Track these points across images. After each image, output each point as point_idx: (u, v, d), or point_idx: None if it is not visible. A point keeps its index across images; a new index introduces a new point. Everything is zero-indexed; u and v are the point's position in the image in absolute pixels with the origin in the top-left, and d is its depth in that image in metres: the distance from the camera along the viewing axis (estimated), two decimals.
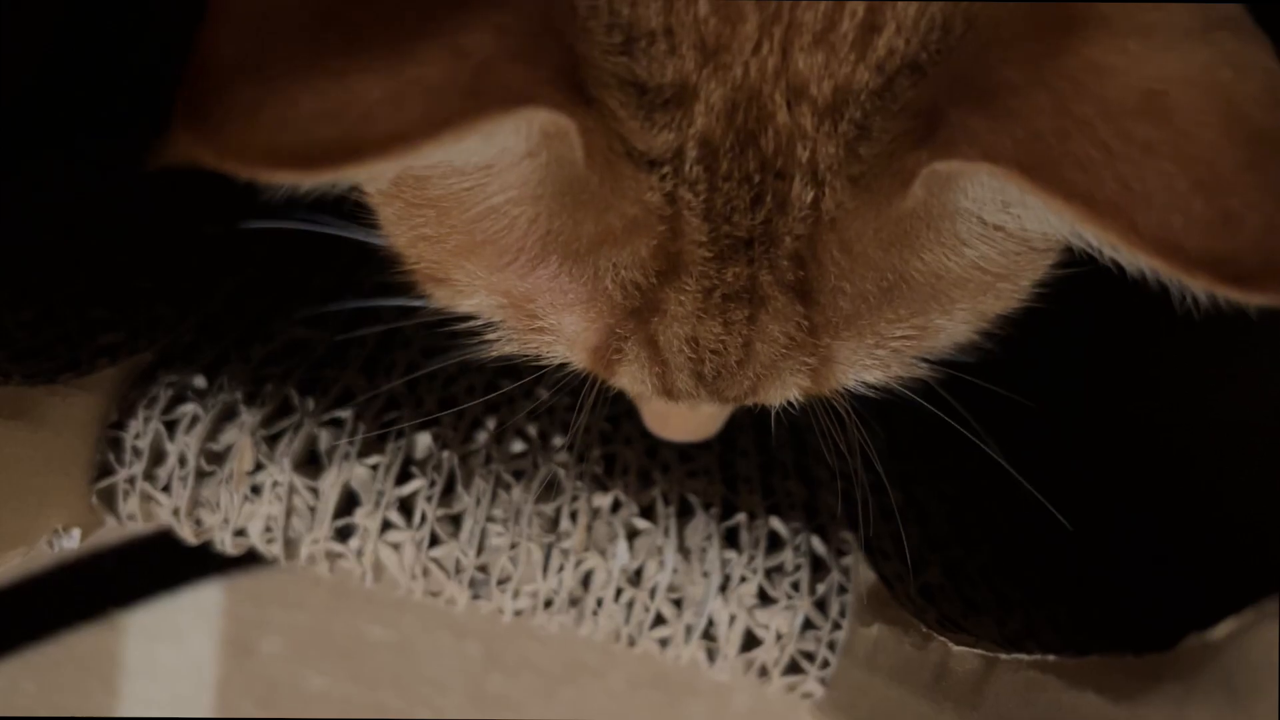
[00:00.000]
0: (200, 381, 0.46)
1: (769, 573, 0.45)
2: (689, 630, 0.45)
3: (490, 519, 0.45)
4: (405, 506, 0.45)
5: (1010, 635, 0.44)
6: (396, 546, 0.45)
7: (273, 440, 0.45)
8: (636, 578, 0.45)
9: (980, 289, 0.33)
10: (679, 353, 0.33)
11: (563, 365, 0.37)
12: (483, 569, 0.45)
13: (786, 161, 0.29)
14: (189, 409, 0.45)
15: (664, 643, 0.46)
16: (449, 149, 0.25)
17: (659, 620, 0.45)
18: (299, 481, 0.45)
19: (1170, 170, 0.24)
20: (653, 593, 0.45)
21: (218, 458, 0.45)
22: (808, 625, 0.45)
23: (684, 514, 0.47)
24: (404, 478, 0.45)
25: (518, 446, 0.48)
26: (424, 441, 0.46)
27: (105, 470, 0.45)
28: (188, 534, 0.46)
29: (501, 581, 0.45)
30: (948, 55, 0.28)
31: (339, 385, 0.48)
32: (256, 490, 0.45)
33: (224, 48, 0.24)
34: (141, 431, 0.45)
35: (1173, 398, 0.52)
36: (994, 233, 0.31)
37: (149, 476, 0.45)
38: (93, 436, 0.45)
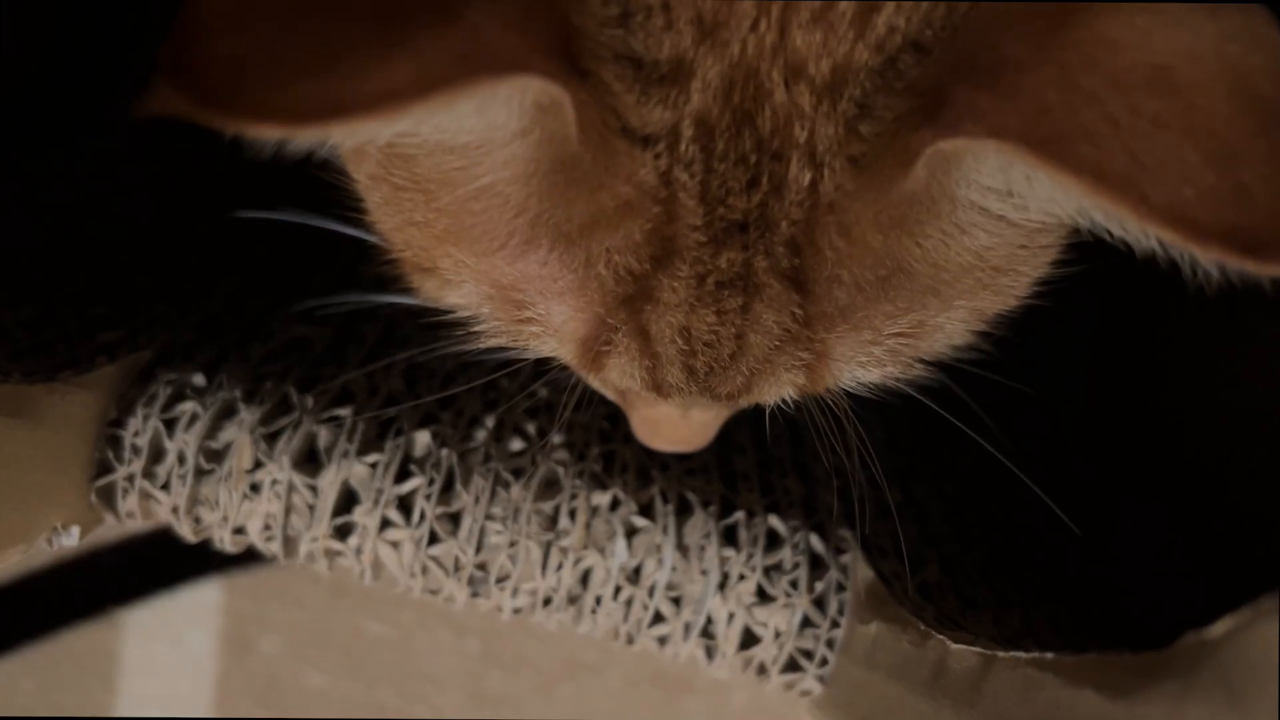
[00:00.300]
0: (199, 379, 0.46)
1: (767, 570, 0.45)
2: (687, 628, 0.45)
3: (489, 517, 0.45)
4: (404, 504, 0.45)
5: (1008, 633, 0.44)
6: (395, 544, 0.45)
7: (272, 438, 0.45)
8: (635, 576, 0.45)
9: (979, 284, 0.33)
10: (671, 344, 0.33)
11: (557, 364, 0.37)
12: (481, 567, 0.45)
13: (784, 142, 0.29)
14: (188, 407, 0.45)
15: (662, 640, 0.46)
16: (439, 114, 0.25)
17: (657, 618, 0.45)
18: (298, 479, 0.45)
19: (1181, 143, 0.24)
20: (651, 591, 0.45)
21: (217, 456, 0.45)
22: (806, 623, 0.45)
23: (682, 512, 0.47)
24: (403, 476, 0.45)
25: (516, 444, 0.48)
26: (423, 439, 0.46)
27: (104, 468, 0.45)
28: (187, 532, 0.46)
29: (500, 579, 0.45)
30: (952, 34, 0.28)
31: (338, 383, 0.48)
32: (255, 488, 0.45)
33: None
34: (140, 429, 0.45)
35: (1172, 395, 0.52)
36: (996, 221, 0.31)
37: (148, 474, 0.45)
38: (92, 434, 0.45)
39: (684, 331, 0.32)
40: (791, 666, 0.46)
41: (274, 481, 0.45)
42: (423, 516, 0.45)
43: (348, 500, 0.45)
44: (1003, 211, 0.30)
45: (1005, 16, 0.27)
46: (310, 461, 0.46)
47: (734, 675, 0.46)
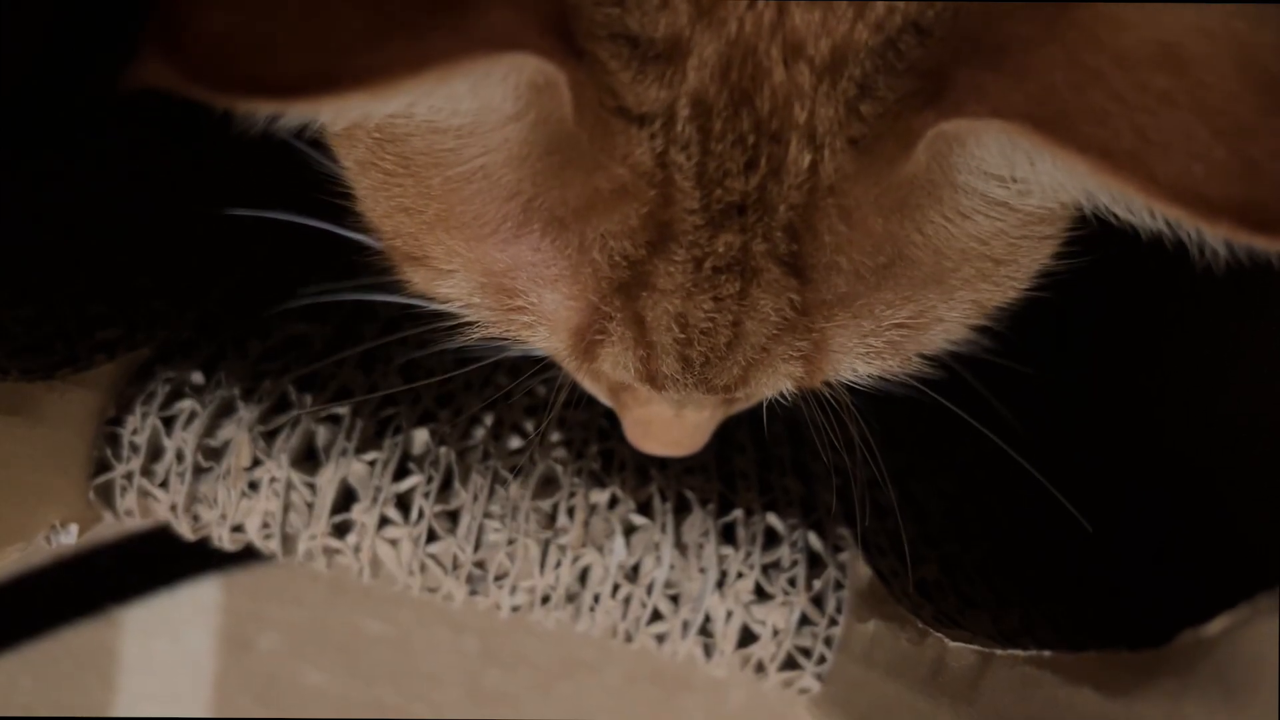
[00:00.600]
0: (198, 377, 0.46)
1: (766, 569, 0.45)
2: (686, 626, 0.45)
3: (487, 515, 0.45)
4: (403, 502, 0.45)
5: (1007, 631, 0.44)
6: (394, 542, 0.45)
7: (270, 436, 0.45)
8: (633, 574, 0.45)
9: (980, 274, 0.33)
10: (666, 331, 0.32)
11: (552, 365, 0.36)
12: (480, 565, 0.45)
13: (783, 123, 0.28)
14: (186, 405, 0.45)
15: (661, 638, 0.46)
16: (433, 91, 0.24)
17: (656, 616, 0.45)
18: (296, 477, 0.45)
19: (1189, 120, 0.24)
20: (650, 589, 0.45)
21: (215, 453, 0.45)
22: (804, 621, 0.45)
23: (681, 510, 0.47)
24: (401, 474, 0.45)
25: (515, 443, 0.48)
26: (421, 437, 0.46)
27: (103, 466, 0.45)
28: (185, 530, 0.46)
29: (499, 577, 0.45)
30: (954, 14, 0.27)
31: (336, 381, 0.48)
32: (254, 486, 0.45)
33: None
34: (139, 427, 0.45)
35: (1172, 393, 0.52)
36: (997, 208, 0.30)
37: (146, 472, 0.45)
38: (90, 432, 0.45)
39: (680, 318, 0.32)
40: (789, 664, 0.46)
41: (272, 479, 0.45)
42: (421, 514, 0.45)
43: (346, 498, 0.45)
44: (1005, 198, 0.30)
45: None
46: (309, 459, 0.46)
47: (732, 673, 0.46)
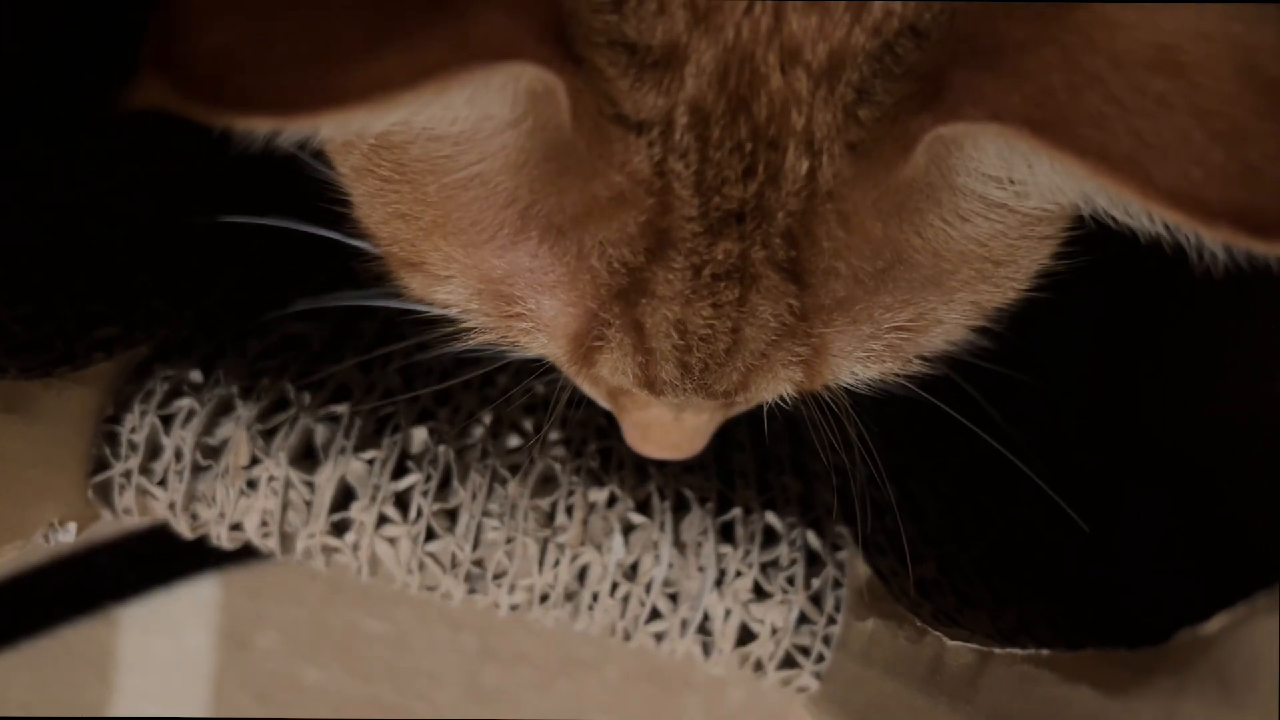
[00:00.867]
0: (196, 376, 0.46)
1: (764, 567, 0.45)
2: (684, 625, 0.45)
3: (486, 514, 0.45)
4: (401, 501, 0.45)
5: (1005, 630, 0.44)
6: (392, 541, 0.45)
7: (269, 435, 0.45)
8: (632, 572, 0.45)
9: (979, 276, 0.33)
10: (665, 338, 0.32)
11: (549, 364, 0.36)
12: (478, 563, 0.45)
13: (780, 129, 0.28)
14: (185, 403, 0.45)
15: (659, 637, 0.46)
16: (432, 102, 0.24)
17: (654, 615, 0.45)
18: (295, 476, 0.45)
19: (1187, 123, 0.24)
20: (648, 587, 0.45)
21: (213, 452, 0.45)
22: (803, 620, 0.45)
23: (679, 509, 0.47)
24: (400, 472, 0.45)
25: (513, 441, 0.48)
26: (420, 436, 0.46)
27: (101, 464, 0.45)
28: (183, 528, 0.46)
29: (497, 576, 0.45)
30: (950, 17, 0.27)
31: (335, 380, 0.48)
32: (252, 484, 0.45)
33: None
34: (137, 425, 0.45)
35: (1171, 392, 0.52)
36: (996, 210, 0.30)
37: (145, 471, 0.45)
38: (88, 431, 0.45)
39: (679, 325, 0.32)
40: (788, 663, 0.46)
41: (271, 478, 0.45)
42: (420, 513, 0.45)
43: (345, 496, 0.45)
44: (1003, 199, 0.30)
45: None
46: (307, 458, 0.46)
47: (731, 671, 0.46)
